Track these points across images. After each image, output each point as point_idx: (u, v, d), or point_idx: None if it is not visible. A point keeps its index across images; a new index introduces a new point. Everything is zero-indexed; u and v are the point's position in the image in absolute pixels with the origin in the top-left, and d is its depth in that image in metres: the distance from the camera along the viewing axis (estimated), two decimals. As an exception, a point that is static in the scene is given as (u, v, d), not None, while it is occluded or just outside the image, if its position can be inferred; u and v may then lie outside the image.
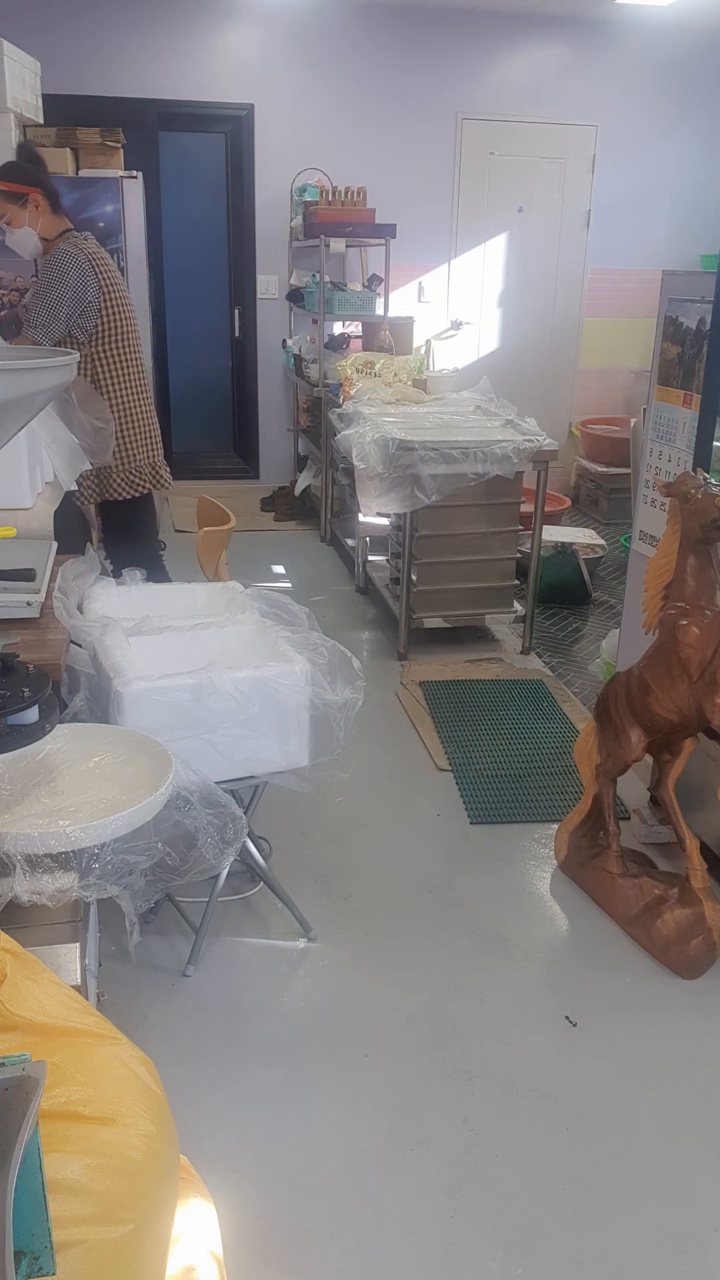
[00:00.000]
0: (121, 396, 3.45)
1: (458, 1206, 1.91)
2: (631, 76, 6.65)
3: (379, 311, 6.04)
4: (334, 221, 5.83)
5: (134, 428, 3.53)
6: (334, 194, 5.98)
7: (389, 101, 6.42)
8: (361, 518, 4.82)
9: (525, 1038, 2.33)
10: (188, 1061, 2.22)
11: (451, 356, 6.63)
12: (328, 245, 5.74)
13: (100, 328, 3.33)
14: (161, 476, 3.65)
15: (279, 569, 5.62)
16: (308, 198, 6.14)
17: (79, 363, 3.33)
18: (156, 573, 3.57)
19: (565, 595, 5.01)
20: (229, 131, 6.50)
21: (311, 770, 2.35)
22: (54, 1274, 0.88)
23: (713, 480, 2.49)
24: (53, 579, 2.34)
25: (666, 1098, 2.18)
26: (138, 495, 3.58)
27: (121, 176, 4.79)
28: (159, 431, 3.69)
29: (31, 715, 1.66)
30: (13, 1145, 0.83)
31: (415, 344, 5.76)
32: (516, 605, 4.48)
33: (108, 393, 3.40)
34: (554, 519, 5.73)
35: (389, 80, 6.38)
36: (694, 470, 2.65)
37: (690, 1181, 1.98)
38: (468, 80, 6.48)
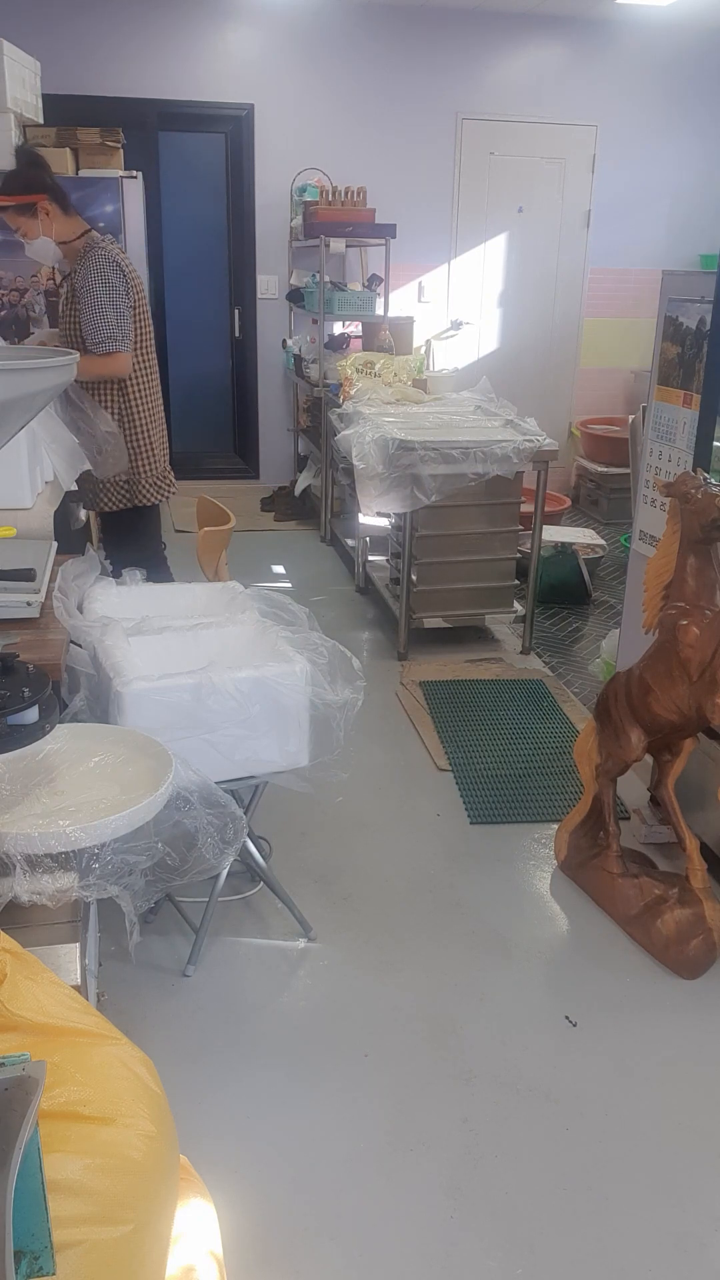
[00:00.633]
0: (147, 401, 3.44)
1: (458, 1206, 1.91)
2: (631, 76, 6.65)
3: (379, 311, 6.04)
4: (334, 221, 5.83)
5: (159, 432, 3.53)
6: (334, 194, 5.98)
7: (389, 101, 6.42)
8: (361, 518, 4.82)
9: (525, 1038, 2.33)
10: (188, 1061, 2.22)
11: (451, 356, 6.63)
12: (328, 245, 5.74)
13: (130, 333, 3.32)
14: (171, 481, 3.64)
15: (279, 569, 5.62)
16: (308, 198, 6.14)
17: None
18: (160, 574, 3.56)
19: (565, 595, 5.01)
20: (229, 131, 6.50)
21: (311, 770, 2.35)
22: (54, 1274, 0.88)
23: (713, 480, 2.49)
24: (53, 579, 2.34)
25: (666, 1098, 2.18)
26: (162, 500, 3.57)
27: (121, 176, 4.79)
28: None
29: (31, 715, 1.66)
30: (13, 1145, 0.83)
31: (415, 344, 5.76)
32: (516, 605, 4.48)
33: (136, 396, 3.39)
34: (554, 519, 5.73)
35: (389, 80, 6.38)
36: (694, 470, 2.65)
37: (690, 1181, 1.98)
38: (468, 80, 6.48)
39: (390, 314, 6.06)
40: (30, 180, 3.24)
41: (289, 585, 5.32)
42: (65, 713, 2.15)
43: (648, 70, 6.65)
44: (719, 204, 6.94)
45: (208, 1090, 2.15)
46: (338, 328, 6.15)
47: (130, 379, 3.36)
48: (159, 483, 3.54)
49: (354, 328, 6.14)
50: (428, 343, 5.86)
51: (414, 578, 4.30)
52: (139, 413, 3.40)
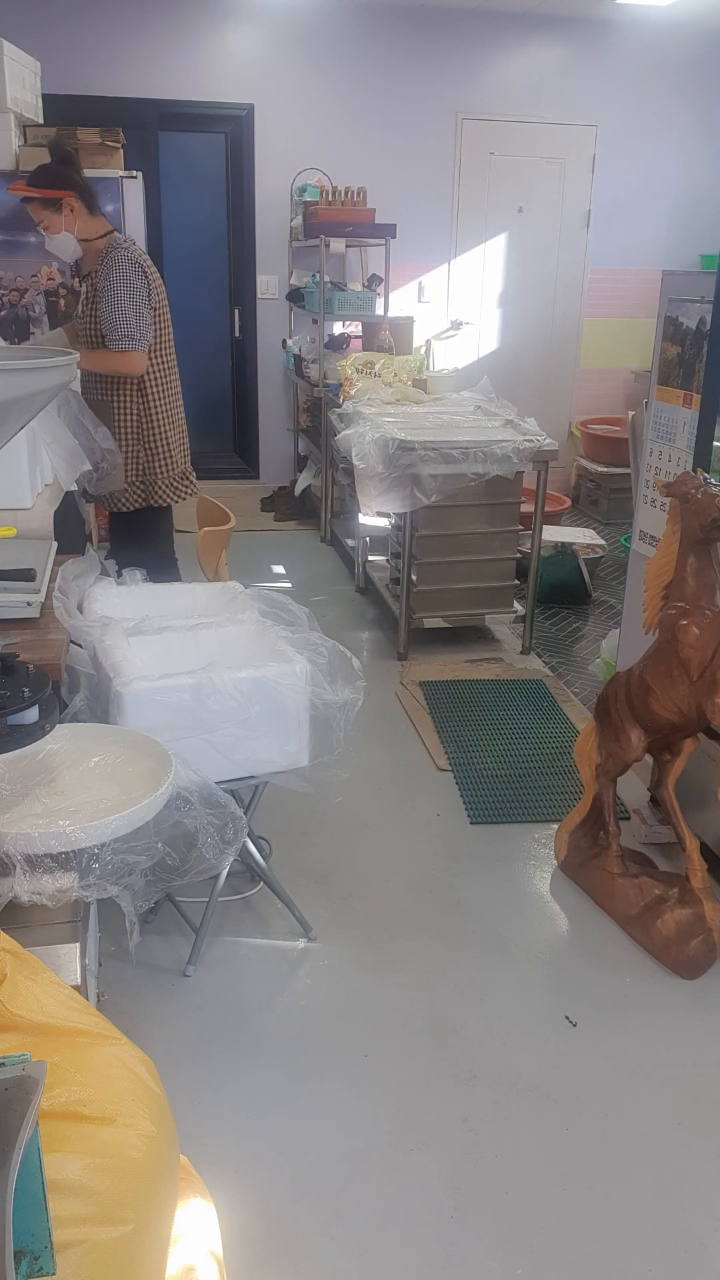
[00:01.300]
0: (166, 402, 3.45)
1: (458, 1206, 1.91)
2: (631, 76, 6.65)
3: (379, 311, 6.04)
4: (334, 221, 5.83)
5: (177, 434, 3.53)
6: (334, 194, 5.98)
7: (389, 101, 6.42)
8: (361, 518, 4.82)
9: (525, 1038, 2.33)
10: (188, 1061, 2.22)
11: (451, 356, 6.63)
12: (328, 245, 5.74)
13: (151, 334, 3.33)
14: (192, 482, 3.65)
15: (279, 569, 5.62)
16: (308, 198, 6.14)
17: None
18: (169, 575, 3.55)
19: (565, 595, 5.01)
20: (229, 131, 6.50)
21: (311, 770, 2.35)
22: (54, 1274, 0.88)
23: (713, 480, 2.49)
24: (53, 579, 2.34)
25: (666, 1098, 2.18)
26: (178, 501, 3.57)
27: (121, 176, 4.79)
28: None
29: (31, 715, 1.66)
30: (13, 1145, 0.83)
31: (415, 344, 5.76)
32: (516, 605, 4.48)
33: (155, 397, 3.40)
34: (554, 519, 5.73)
35: (389, 80, 6.38)
36: (694, 470, 2.65)
37: (690, 1181, 1.98)
38: (468, 80, 6.48)
39: (390, 314, 6.06)
40: (60, 176, 3.27)
41: (289, 585, 5.32)
42: (65, 713, 2.15)
43: (648, 70, 6.65)
44: (719, 204, 6.95)
45: (208, 1090, 2.15)
46: (338, 328, 6.15)
47: (149, 380, 3.38)
48: (176, 484, 3.55)
49: (354, 328, 6.14)
50: (428, 343, 5.86)
51: (414, 578, 4.30)
52: (157, 413, 3.42)
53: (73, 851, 1.58)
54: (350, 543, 5.42)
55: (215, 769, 2.14)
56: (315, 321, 6.08)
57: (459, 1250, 1.83)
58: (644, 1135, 2.08)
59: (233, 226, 6.72)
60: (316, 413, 6.01)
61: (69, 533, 3.04)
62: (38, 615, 2.20)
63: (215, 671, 2.17)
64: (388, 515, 4.56)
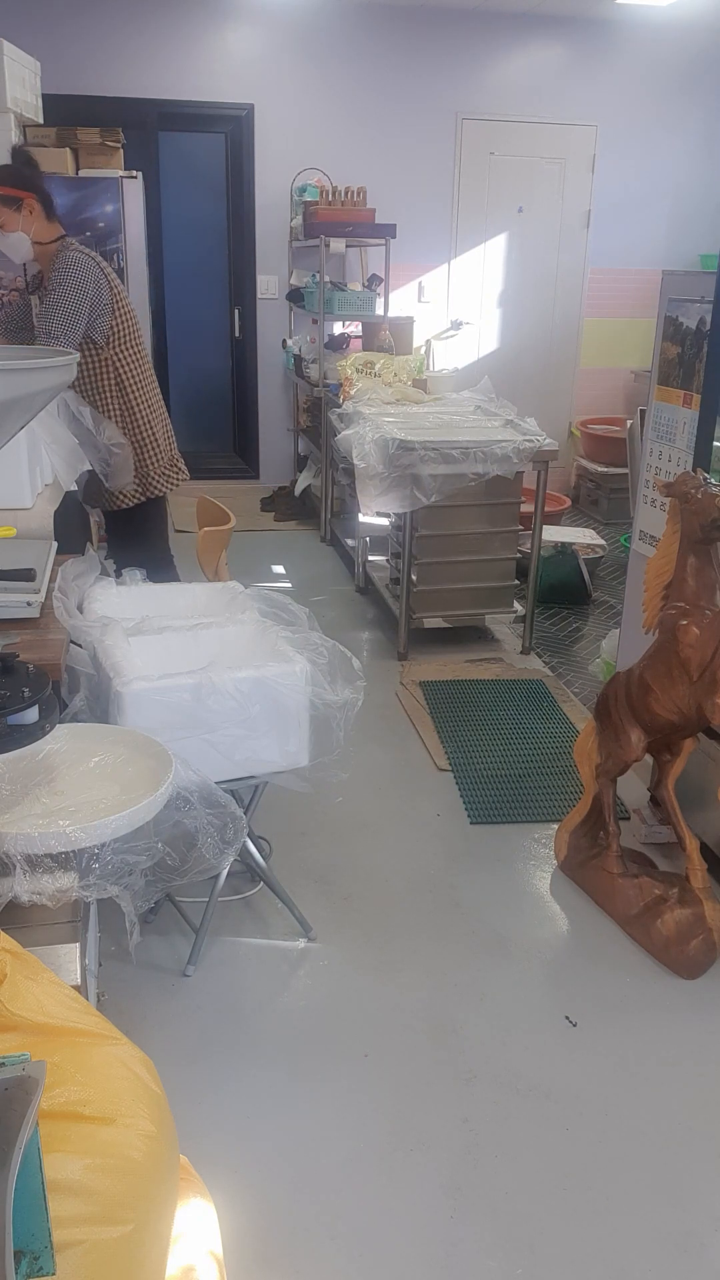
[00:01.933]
0: (145, 393, 3.48)
1: (458, 1206, 1.91)
2: (631, 76, 6.65)
3: (379, 311, 6.04)
4: (334, 221, 5.83)
5: (160, 422, 3.56)
6: (334, 194, 5.98)
7: (389, 101, 6.42)
8: (361, 518, 4.82)
9: (525, 1038, 2.33)
10: (188, 1061, 2.22)
11: (451, 356, 6.63)
12: (328, 245, 5.74)
13: (114, 328, 3.35)
14: (181, 468, 3.67)
15: (279, 569, 5.62)
16: (308, 198, 6.14)
17: (103, 366, 3.35)
18: (167, 574, 3.56)
19: (565, 595, 5.01)
20: (229, 131, 6.50)
21: (311, 770, 2.35)
22: (54, 1274, 0.88)
23: (713, 480, 2.49)
24: (53, 579, 2.34)
25: (666, 1098, 2.18)
26: (172, 489, 3.60)
27: (121, 176, 4.79)
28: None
29: (31, 715, 1.66)
30: (13, 1145, 0.83)
31: (415, 344, 5.76)
32: (516, 605, 4.48)
33: (133, 391, 3.42)
34: (554, 519, 5.73)
35: (389, 80, 6.38)
36: (694, 470, 2.65)
37: (690, 1181, 1.98)
38: (468, 80, 6.48)
39: (390, 314, 6.06)
40: (23, 178, 3.30)
41: (289, 585, 5.32)
42: (65, 713, 2.15)
43: (648, 70, 6.65)
44: (719, 204, 6.95)
45: (208, 1090, 2.15)
46: (338, 328, 6.15)
47: (125, 375, 3.40)
48: (167, 471, 3.57)
49: (354, 328, 6.14)
50: (428, 343, 5.86)
51: (414, 578, 4.30)
52: (138, 406, 3.44)
53: (73, 851, 1.58)
54: (350, 543, 5.42)
55: (215, 769, 2.14)
56: (315, 321, 6.08)
57: (459, 1250, 1.83)
58: (644, 1135, 2.08)
59: (233, 226, 6.72)
60: (316, 413, 6.01)
61: (69, 533, 3.04)
62: (38, 615, 2.20)
63: (215, 671, 2.17)
64: (388, 515, 4.56)
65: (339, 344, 6.01)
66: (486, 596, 4.42)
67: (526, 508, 4.41)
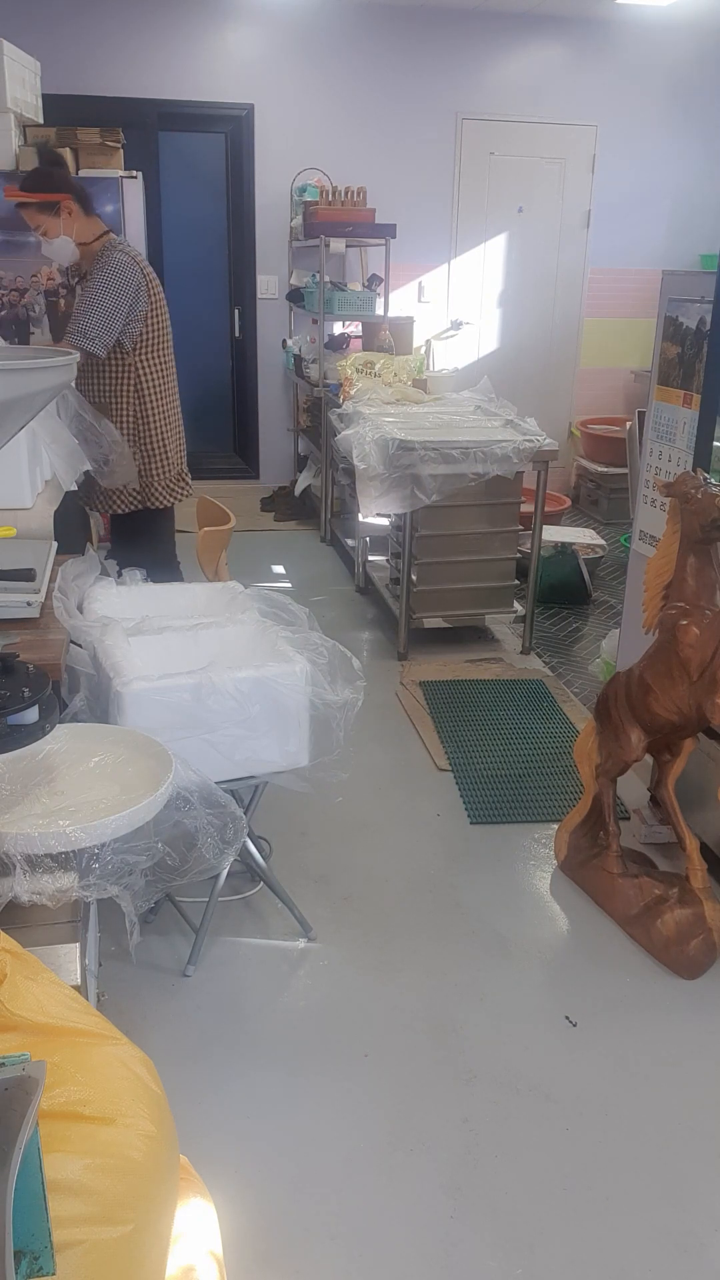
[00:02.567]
0: (163, 403, 3.44)
1: (458, 1206, 1.91)
2: (631, 76, 6.65)
3: (379, 311, 6.04)
4: (334, 221, 5.83)
5: (174, 435, 3.52)
6: (334, 194, 5.98)
7: (389, 101, 6.42)
8: (361, 518, 4.81)
9: (525, 1038, 2.33)
10: (188, 1061, 2.22)
11: (451, 356, 6.63)
12: (328, 245, 5.74)
13: (145, 335, 3.32)
14: (188, 483, 3.64)
15: (279, 569, 5.62)
16: (308, 198, 6.14)
17: (125, 370, 3.32)
18: (170, 577, 3.54)
19: (565, 595, 5.01)
20: (229, 131, 6.50)
21: (311, 770, 2.35)
22: (54, 1274, 0.88)
23: (713, 480, 2.49)
24: (53, 579, 2.34)
25: (666, 1098, 2.18)
26: (175, 503, 3.57)
27: (121, 176, 4.79)
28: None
29: (31, 715, 1.66)
30: (13, 1145, 0.83)
31: (415, 344, 5.76)
32: (516, 605, 4.48)
33: (151, 399, 3.39)
34: (554, 519, 5.73)
35: (389, 80, 6.38)
36: (694, 470, 2.65)
37: (690, 1181, 1.98)
38: (468, 80, 6.48)
39: (390, 314, 6.06)
40: (55, 179, 3.25)
41: (289, 585, 5.32)
42: (65, 713, 2.15)
43: (648, 70, 6.65)
44: (719, 204, 6.94)
45: (208, 1090, 2.15)
46: (338, 328, 6.15)
47: (146, 381, 3.37)
48: (173, 485, 3.54)
49: (354, 328, 6.14)
50: (428, 343, 5.86)
51: (414, 578, 4.30)
52: (153, 415, 3.41)
53: (73, 851, 1.58)
54: (350, 543, 5.42)
55: (215, 769, 2.14)
56: (315, 321, 6.08)
57: (459, 1250, 1.83)
58: (644, 1135, 2.08)
59: (233, 226, 6.72)
60: (316, 413, 6.01)
61: (69, 533, 3.04)
62: (38, 615, 2.20)
63: (215, 671, 2.17)
64: (388, 515, 4.56)
65: (339, 344, 6.01)
66: (486, 596, 4.42)
67: (526, 508, 4.41)
